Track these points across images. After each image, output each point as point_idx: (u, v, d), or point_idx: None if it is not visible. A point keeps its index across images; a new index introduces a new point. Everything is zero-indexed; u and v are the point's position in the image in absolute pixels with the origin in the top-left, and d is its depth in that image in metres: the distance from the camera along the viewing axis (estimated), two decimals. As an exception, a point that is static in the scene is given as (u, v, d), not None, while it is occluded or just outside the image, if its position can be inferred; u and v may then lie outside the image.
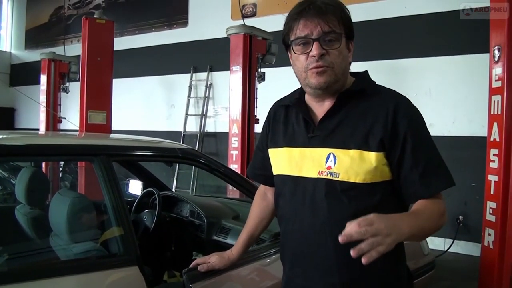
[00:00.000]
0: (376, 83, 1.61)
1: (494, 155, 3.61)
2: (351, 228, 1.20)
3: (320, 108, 1.58)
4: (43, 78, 8.41)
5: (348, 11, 1.53)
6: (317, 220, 1.52)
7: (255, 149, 1.90)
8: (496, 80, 3.60)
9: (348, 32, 1.52)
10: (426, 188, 1.46)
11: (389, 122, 1.46)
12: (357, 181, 1.46)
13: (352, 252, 1.19)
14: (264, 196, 1.93)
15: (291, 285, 1.69)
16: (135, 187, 3.57)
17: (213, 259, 1.96)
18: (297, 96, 1.66)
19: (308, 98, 1.63)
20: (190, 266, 1.98)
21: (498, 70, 3.57)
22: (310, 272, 1.58)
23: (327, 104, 1.56)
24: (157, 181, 3.70)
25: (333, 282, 1.52)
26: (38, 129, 8.36)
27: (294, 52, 1.52)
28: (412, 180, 1.46)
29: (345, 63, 1.53)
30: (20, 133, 2.39)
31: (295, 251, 1.64)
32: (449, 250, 5.98)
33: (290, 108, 1.68)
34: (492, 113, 3.65)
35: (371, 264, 1.28)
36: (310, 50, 1.47)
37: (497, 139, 3.56)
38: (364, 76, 1.63)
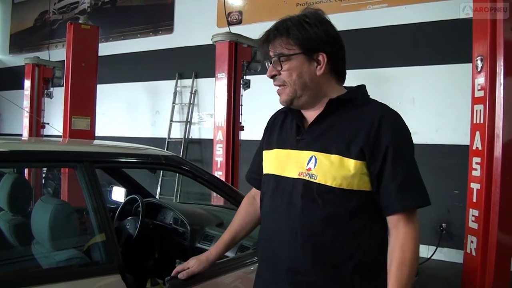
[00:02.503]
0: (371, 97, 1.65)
1: (476, 163, 3.66)
2: None
3: (311, 114, 1.64)
4: (27, 83, 8.27)
5: (312, 26, 1.56)
6: (290, 219, 1.56)
7: (254, 154, 1.94)
8: (478, 90, 3.65)
9: (307, 48, 1.56)
10: (399, 201, 1.48)
11: (372, 133, 1.49)
12: (333, 185, 1.49)
13: None
14: (252, 200, 1.97)
15: (259, 281, 1.73)
16: (118, 194, 3.53)
17: (191, 263, 1.96)
18: None
19: None
20: (172, 274, 1.97)
21: (480, 80, 3.62)
22: (277, 269, 1.61)
23: (318, 111, 1.61)
24: (140, 188, 3.67)
25: (299, 280, 1.55)
26: (21, 135, 8.25)
27: None
28: (388, 191, 1.48)
29: (303, 79, 1.58)
30: (2, 139, 2.36)
31: (266, 247, 1.69)
32: (432, 257, 6.02)
33: (288, 114, 1.75)
34: (474, 122, 3.70)
35: (338, 264, 1.46)
36: None
37: (480, 148, 3.61)
38: (358, 88, 1.67)
